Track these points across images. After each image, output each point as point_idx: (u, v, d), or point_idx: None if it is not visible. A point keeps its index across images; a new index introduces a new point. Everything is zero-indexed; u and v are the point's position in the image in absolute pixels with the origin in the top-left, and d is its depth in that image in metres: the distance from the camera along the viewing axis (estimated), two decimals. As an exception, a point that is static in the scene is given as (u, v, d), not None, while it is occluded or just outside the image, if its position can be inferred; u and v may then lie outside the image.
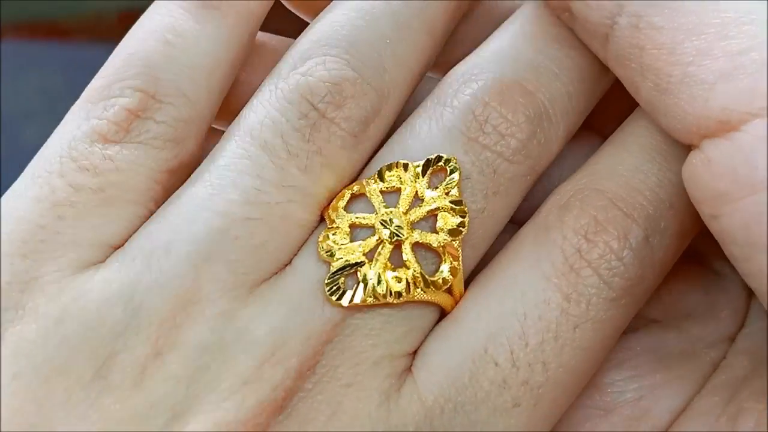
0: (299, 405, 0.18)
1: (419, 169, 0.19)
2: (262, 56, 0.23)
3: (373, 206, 0.19)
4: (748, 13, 0.17)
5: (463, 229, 0.19)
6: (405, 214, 0.19)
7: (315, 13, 0.21)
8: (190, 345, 0.17)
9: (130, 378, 0.17)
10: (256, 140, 0.19)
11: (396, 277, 0.19)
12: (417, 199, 0.19)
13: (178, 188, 0.19)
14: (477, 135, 0.19)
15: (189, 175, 0.20)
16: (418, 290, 0.19)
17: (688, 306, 0.21)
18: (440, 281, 0.19)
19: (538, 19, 0.21)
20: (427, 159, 0.19)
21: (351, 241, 0.19)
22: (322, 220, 0.19)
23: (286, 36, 0.23)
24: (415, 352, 0.19)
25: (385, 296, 0.18)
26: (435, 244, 0.19)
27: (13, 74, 0.48)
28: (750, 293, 0.21)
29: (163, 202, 0.19)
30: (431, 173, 0.19)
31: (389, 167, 0.19)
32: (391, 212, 0.19)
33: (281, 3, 0.23)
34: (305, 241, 0.19)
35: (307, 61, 0.20)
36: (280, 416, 0.17)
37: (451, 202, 0.19)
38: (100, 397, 0.17)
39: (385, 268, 0.19)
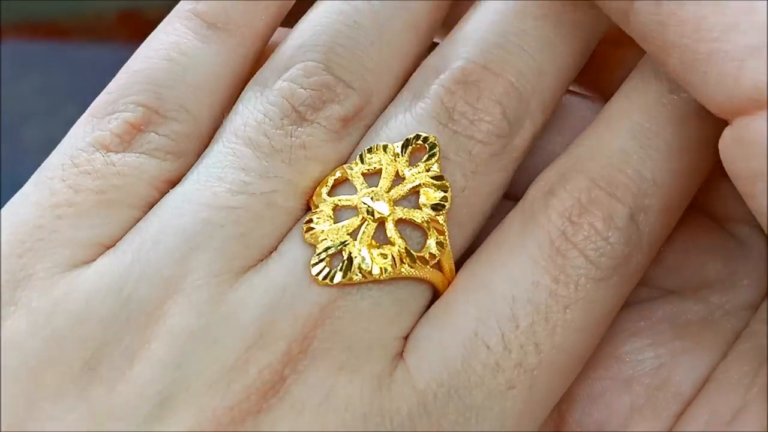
0: (292, 388, 0.18)
1: (399, 150, 0.20)
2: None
3: (356, 188, 0.19)
4: None
5: (446, 204, 0.19)
6: (387, 192, 0.19)
7: None
8: (177, 332, 0.18)
9: (119, 368, 0.17)
10: (241, 139, 0.20)
11: (381, 253, 0.19)
12: (398, 179, 0.20)
13: None
14: (447, 122, 0.20)
15: None
16: (405, 266, 0.19)
17: (707, 275, 0.21)
18: (427, 255, 0.19)
19: None
20: (406, 138, 0.20)
21: (335, 222, 0.19)
22: (308, 208, 0.20)
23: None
24: (407, 337, 0.19)
25: (371, 272, 0.18)
26: (419, 220, 0.19)
27: (13, 74, 0.48)
28: None
29: None
30: (410, 152, 0.20)
31: (369, 150, 0.20)
32: (372, 191, 0.19)
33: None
34: (291, 229, 0.19)
35: (290, 69, 0.20)
36: (273, 399, 0.17)
37: (432, 177, 0.19)
38: (89, 388, 0.17)
39: (370, 246, 0.19)
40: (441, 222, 0.19)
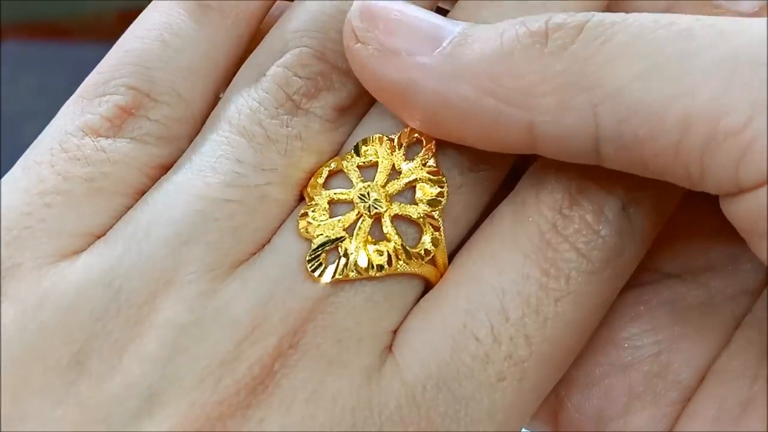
0: (282, 382, 0.17)
1: (395, 142, 0.19)
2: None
3: (351, 181, 0.19)
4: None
5: (442, 199, 0.19)
6: (383, 187, 0.19)
7: None
8: (168, 325, 0.17)
9: (108, 362, 0.17)
10: (235, 127, 0.19)
11: (377, 250, 0.19)
12: (395, 172, 0.19)
13: None
14: None
15: None
16: (401, 263, 0.19)
17: (708, 259, 0.21)
18: (422, 252, 0.19)
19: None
20: (402, 131, 0.19)
21: (330, 217, 0.19)
22: (302, 200, 0.19)
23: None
24: (396, 330, 0.19)
25: (367, 270, 0.18)
26: (415, 216, 0.19)
27: (13, 74, 0.48)
28: None
29: None
30: (407, 145, 0.19)
31: (365, 141, 0.19)
32: (369, 186, 0.19)
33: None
34: (285, 221, 0.19)
35: (285, 54, 0.20)
36: (262, 394, 0.17)
37: (428, 172, 0.19)
38: (77, 383, 0.17)
39: (365, 242, 0.19)
40: (436, 217, 0.19)
